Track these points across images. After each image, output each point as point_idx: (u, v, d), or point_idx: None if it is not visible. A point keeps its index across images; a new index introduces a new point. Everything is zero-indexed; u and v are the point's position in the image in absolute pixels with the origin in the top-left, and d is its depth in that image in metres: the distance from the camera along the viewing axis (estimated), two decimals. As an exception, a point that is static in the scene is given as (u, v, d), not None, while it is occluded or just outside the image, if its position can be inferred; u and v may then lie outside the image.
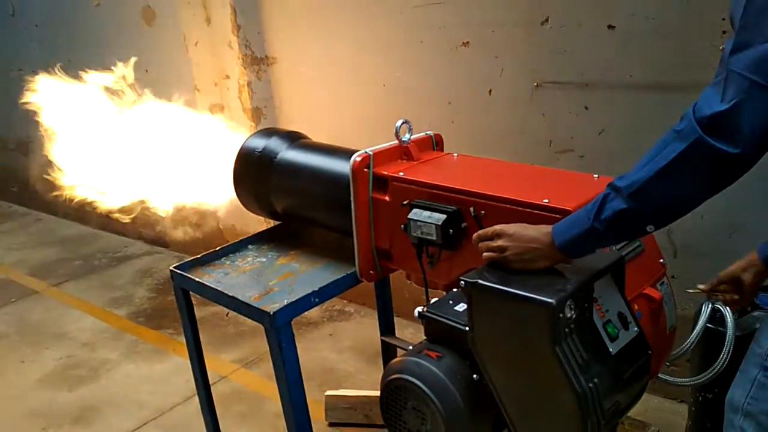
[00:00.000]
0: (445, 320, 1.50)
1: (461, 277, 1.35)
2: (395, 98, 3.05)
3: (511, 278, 1.32)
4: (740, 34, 1.08)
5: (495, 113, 2.76)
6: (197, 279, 2.08)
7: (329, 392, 2.85)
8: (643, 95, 2.35)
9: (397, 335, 2.85)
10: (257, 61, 3.44)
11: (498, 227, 1.39)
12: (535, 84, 2.61)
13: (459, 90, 2.84)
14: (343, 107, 3.28)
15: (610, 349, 1.33)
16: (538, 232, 1.32)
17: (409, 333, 3.37)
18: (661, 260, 1.65)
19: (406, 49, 2.95)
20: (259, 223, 3.70)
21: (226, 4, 3.26)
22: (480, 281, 1.33)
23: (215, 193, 2.87)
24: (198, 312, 3.83)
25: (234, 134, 3.03)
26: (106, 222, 5.29)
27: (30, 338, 3.79)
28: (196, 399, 3.05)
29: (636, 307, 1.49)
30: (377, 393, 2.83)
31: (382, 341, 2.93)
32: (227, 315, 3.76)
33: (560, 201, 1.49)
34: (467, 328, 1.44)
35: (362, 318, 3.68)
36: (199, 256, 2.25)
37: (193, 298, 3.80)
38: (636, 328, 1.39)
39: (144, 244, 5.02)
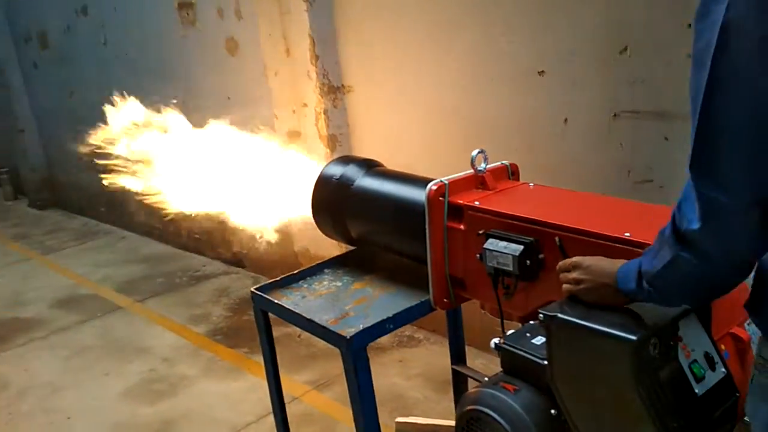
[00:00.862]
0: (522, 353, 1.49)
1: (540, 310, 1.35)
2: (469, 126, 3.07)
3: (593, 313, 1.30)
4: (698, 147, 1.00)
5: (571, 142, 2.73)
6: (276, 301, 2.15)
7: (400, 419, 2.86)
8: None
9: (467, 364, 2.84)
10: (334, 89, 3.54)
11: (575, 259, 1.38)
12: (613, 113, 2.57)
13: (534, 119, 2.83)
14: (416, 135, 3.32)
15: (696, 391, 1.29)
16: (611, 268, 1.29)
17: (480, 363, 3.34)
18: (750, 298, 1.58)
19: (480, 77, 2.98)
20: (333, 246, 3.78)
21: (306, 36, 3.38)
22: (560, 315, 1.32)
23: (291, 217, 2.97)
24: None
25: (309, 160, 3.13)
26: (186, 241, 5.53)
27: (114, 352, 3.98)
28: (270, 418, 3.13)
29: (722, 347, 1.44)
30: (447, 422, 2.85)
31: (453, 370, 2.92)
32: (299, 336, 3.84)
33: (642, 235, 1.46)
34: (545, 362, 1.43)
35: (432, 345, 3.68)
36: (277, 279, 2.32)
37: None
38: (723, 369, 1.34)
39: (221, 263, 5.20)
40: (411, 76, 3.25)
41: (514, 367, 1.53)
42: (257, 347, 3.82)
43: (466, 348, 2.90)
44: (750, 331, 1.53)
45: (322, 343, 3.79)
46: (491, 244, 1.72)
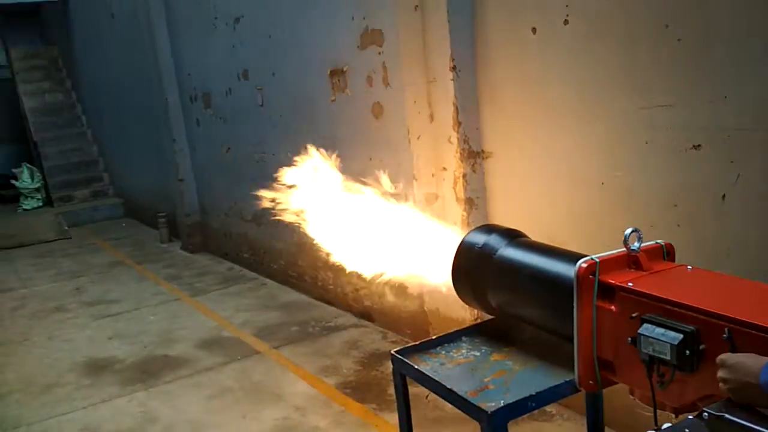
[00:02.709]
0: (680, 451, 1.41)
1: (705, 409, 1.28)
2: (614, 199, 2.99)
3: (765, 415, 1.21)
4: None
5: (729, 221, 2.58)
6: (416, 366, 2.19)
7: (530, 496, 2.75)
8: None
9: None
10: (473, 154, 3.60)
11: (721, 356, 1.31)
12: (779, 190, 2.41)
13: (687, 194, 2.71)
14: (557, 204, 3.28)
15: None
16: (756, 365, 1.22)
17: (619, 444, 3.15)
18: None
19: (628, 149, 2.90)
20: (464, 310, 3.77)
21: (450, 102, 3.49)
22: (727, 416, 1.24)
23: (424, 278, 3.01)
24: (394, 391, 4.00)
25: (446, 224, 3.18)
26: (321, 292, 5.75)
27: (252, 395, 4.18)
28: (395, 479, 3.15)
29: None
30: (582, 505, 2.69)
31: (590, 450, 2.78)
32: (427, 398, 3.82)
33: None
34: (706, 464, 1.34)
35: (564, 421, 3.52)
36: (416, 343, 2.36)
37: (391, 375, 3.92)
38: None
39: (352, 316, 5.34)
40: (554, 143, 3.24)
41: (671, 464, 1.44)
42: (385, 404, 3.91)
43: (605, 429, 2.75)
44: None
45: (449, 407, 3.77)
46: (647, 329, 1.66)
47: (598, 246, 2.07)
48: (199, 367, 4.68)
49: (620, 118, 2.91)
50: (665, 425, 1.52)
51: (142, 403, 4.20)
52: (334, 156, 4.81)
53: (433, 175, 3.74)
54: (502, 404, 1.87)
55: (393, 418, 3.72)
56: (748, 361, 1.26)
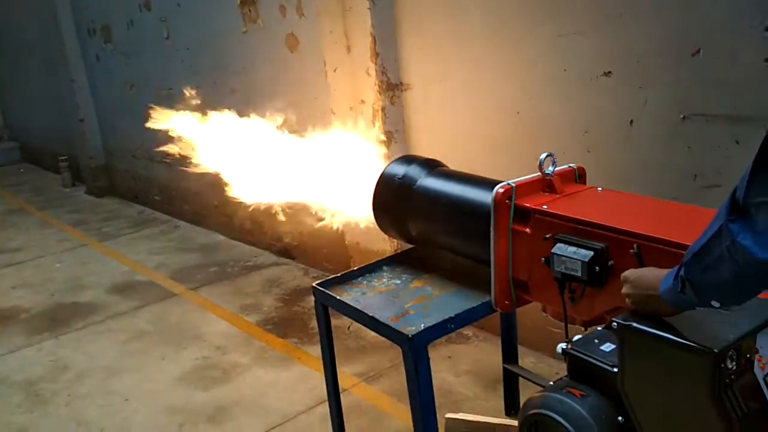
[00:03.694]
0: (590, 360, 1.49)
1: (614, 319, 1.35)
2: (529, 127, 3.05)
3: (668, 322, 1.29)
4: None
5: (636, 145, 2.69)
6: (338, 297, 2.19)
7: (450, 415, 2.87)
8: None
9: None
10: (392, 87, 3.56)
11: (624, 273, 1.38)
12: (682, 116, 2.53)
13: (598, 120, 2.80)
14: (475, 134, 3.32)
15: (773, 404, 1.28)
16: (656, 278, 1.27)
17: (530, 362, 3.33)
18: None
19: (543, 77, 2.95)
20: (385, 242, 3.81)
21: (368, 33, 3.41)
22: (634, 324, 1.31)
23: (344, 211, 3.01)
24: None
25: (365, 157, 3.16)
26: (238, 232, 5.64)
27: (169, 337, 4.10)
28: (320, 409, 3.20)
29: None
30: (497, 420, 2.85)
31: (504, 369, 2.93)
32: (349, 329, 3.89)
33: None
34: (615, 370, 1.43)
35: (480, 342, 3.68)
36: (337, 275, 2.37)
37: (312, 309, 3.95)
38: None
39: (271, 255, 5.29)
40: (472, 75, 3.25)
41: (581, 372, 1.53)
42: (307, 338, 3.94)
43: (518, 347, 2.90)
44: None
45: (370, 336, 3.88)
46: (559, 249, 1.72)
47: (515, 173, 2.11)
48: (112, 313, 4.54)
49: (535, 47, 2.94)
50: (576, 337, 1.61)
51: (52, 352, 4.04)
52: (246, 90, 4.67)
53: (351, 109, 3.68)
54: (422, 327, 1.92)
55: (316, 351, 3.75)
56: (648, 274, 1.32)
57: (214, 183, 5.61)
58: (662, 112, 2.59)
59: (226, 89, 4.90)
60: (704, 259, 1.07)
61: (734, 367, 1.23)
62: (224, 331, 4.11)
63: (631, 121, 2.71)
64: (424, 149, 3.53)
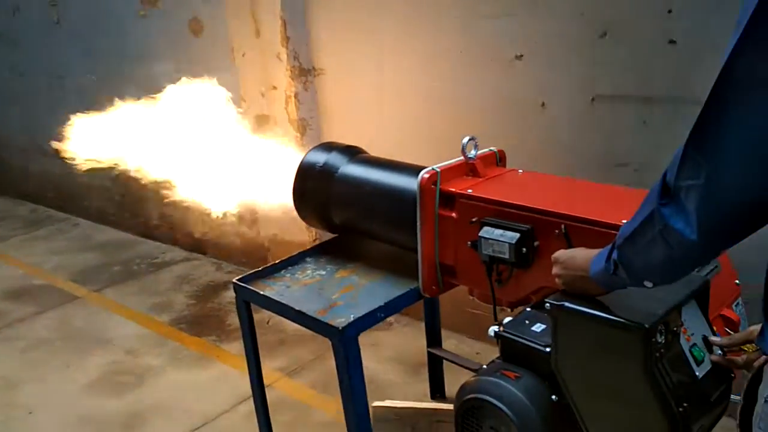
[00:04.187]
0: (523, 341, 1.50)
1: (546, 300, 1.36)
2: (444, 111, 3.06)
3: (599, 301, 1.32)
4: (707, 107, 0.93)
5: (548, 127, 2.76)
6: (261, 292, 2.11)
7: (376, 403, 2.85)
8: (703, 111, 2.34)
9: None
10: (305, 72, 3.47)
11: (555, 254, 1.40)
12: (592, 97, 2.60)
13: (511, 103, 2.84)
14: (390, 119, 3.29)
15: (697, 373, 1.33)
16: (585, 259, 1.29)
17: (452, 344, 3.37)
18: (736, 281, 1.64)
19: (456, 61, 2.96)
20: (302, 232, 3.73)
21: (277, 16, 3.29)
22: (567, 304, 1.33)
23: (258, 202, 2.91)
24: (237, 320, 3.91)
25: (278, 145, 3.07)
26: (143, 228, 5.36)
27: (74, 344, 3.83)
28: (243, 407, 3.10)
29: (714, 329, 1.48)
30: (424, 404, 2.86)
31: (429, 353, 2.94)
32: (268, 322, 3.79)
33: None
34: (547, 350, 1.44)
35: (403, 328, 3.69)
36: (259, 269, 2.28)
37: (228, 305, 3.81)
38: (720, 351, 1.38)
39: (181, 250, 5.07)
40: (384, 60, 3.21)
41: (514, 354, 1.54)
42: (225, 335, 3.80)
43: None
44: (738, 311, 1.58)
45: (291, 329, 3.80)
46: (487, 232, 1.73)
47: (431, 158, 2.11)
48: (8, 320, 4.18)
49: (449, 31, 2.94)
50: (506, 319, 1.62)
51: (-58, 367, 3.68)
52: (148, 78, 4.41)
53: (262, 95, 3.56)
54: (352, 318, 1.88)
55: (234, 348, 3.64)
56: (578, 255, 1.34)
57: (116, 177, 5.33)
58: (573, 94, 2.67)
59: (124, 77, 4.62)
60: (637, 243, 1.09)
61: (663, 341, 1.27)
62: (134, 334, 3.89)
63: (543, 104, 2.77)
64: (340, 136, 3.47)
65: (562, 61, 2.64)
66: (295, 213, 2.52)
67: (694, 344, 1.36)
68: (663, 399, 1.24)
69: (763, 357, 1.24)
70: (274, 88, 3.50)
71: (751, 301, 1.69)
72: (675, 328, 1.31)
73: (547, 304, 1.35)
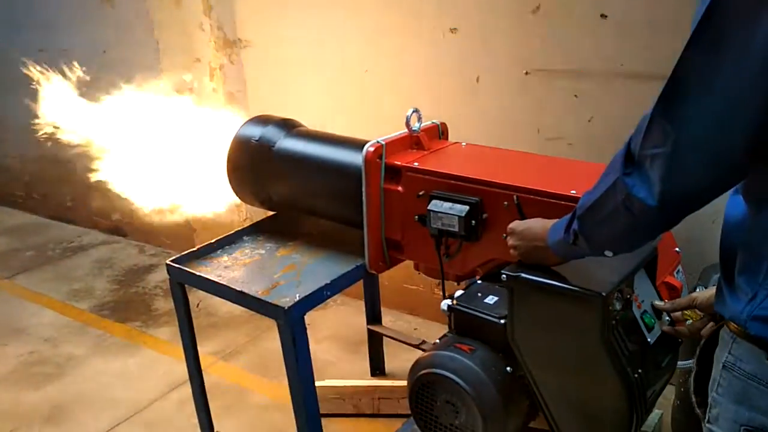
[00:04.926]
0: (477, 313, 1.49)
1: (503, 271, 1.35)
2: (378, 84, 3.01)
3: (555, 271, 1.32)
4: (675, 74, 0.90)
5: (482, 101, 2.76)
6: (198, 273, 2.00)
7: (317, 383, 2.81)
8: (634, 84, 2.40)
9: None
10: (230, 43, 3.31)
11: (510, 225, 1.39)
12: (525, 71, 2.62)
13: (445, 77, 2.82)
14: (323, 93, 3.21)
15: (649, 339, 1.36)
16: (542, 229, 1.30)
17: (389, 320, 3.36)
18: (677, 249, 1.69)
19: (390, 34, 2.90)
20: (231, 211, 3.60)
21: (199, -17, 3.13)
22: (523, 275, 1.32)
23: (183, 181, 2.77)
24: (165, 304, 3.75)
25: (204, 120, 2.93)
26: (56, 210, 5.04)
27: (-16, 335, 3.57)
28: (175, 394, 2.98)
29: (661, 296, 1.52)
30: (364, 382, 2.84)
31: (369, 330, 2.92)
32: (198, 306, 3.65)
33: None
34: (502, 322, 1.44)
35: (339, 306, 3.64)
36: (194, 249, 2.16)
37: (154, 289, 3.64)
38: (668, 318, 1.42)
39: (99, 233, 4.80)
40: (314, 32, 3.11)
41: (468, 327, 1.53)
42: (152, 320, 3.64)
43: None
44: (679, 278, 1.64)
45: (223, 311, 3.68)
46: (435, 205, 1.70)
47: (366, 132, 2.06)
48: None
49: (381, 4, 2.88)
50: (458, 293, 1.60)
51: None
52: (60, 49, 4.10)
53: (185, 68, 3.38)
54: (297, 298, 1.81)
55: (163, 333, 3.50)
56: (535, 226, 1.33)
57: (23, 156, 4.96)
58: (507, 68, 2.67)
59: (35, 47, 4.27)
60: (599, 213, 1.08)
61: (619, 308, 1.28)
62: (52, 322, 3.66)
63: (478, 78, 2.76)
64: (269, 111, 3.35)
65: (496, 35, 2.64)
66: (223, 192, 2.42)
67: (645, 311, 1.39)
68: (619, 365, 1.26)
69: (710, 324, 1.29)
70: (198, 60, 3.33)
71: (687, 267, 1.76)
72: (628, 296, 1.34)
73: (504, 275, 1.34)
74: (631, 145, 1.00)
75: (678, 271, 1.66)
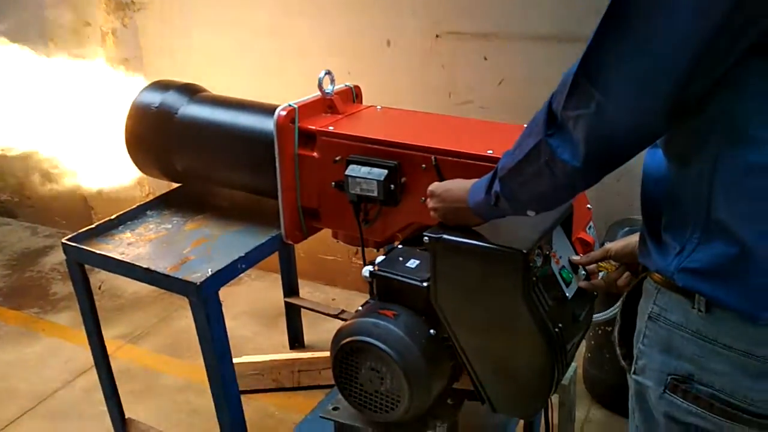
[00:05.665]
0: (400, 278, 1.47)
1: (425, 233, 1.32)
2: (287, 48, 2.89)
3: (475, 231, 1.31)
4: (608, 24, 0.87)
5: (394, 65, 2.72)
6: (99, 251, 1.86)
7: (234, 360, 2.73)
8: (542, 46, 2.43)
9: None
10: (122, 6, 3.08)
11: (430, 187, 1.36)
12: (435, 35, 2.59)
13: (355, 41, 2.76)
14: (226, 58, 3.05)
15: (567, 294, 1.38)
16: (462, 190, 1.27)
17: (306, 292, 3.31)
18: (588, 206, 1.73)
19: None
20: (133, 187, 3.40)
21: (86, -61, 2.87)
22: (445, 236, 1.30)
23: (77, 155, 2.59)
24: (63, 288, 3.52)
25: (97, 91, 2.73)
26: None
27: None
28: (81, 381, 2.82)
29: (577, 251, 1.55)
30: (284, 356, 2.79)
31: (286, 303, 2.86)
32: (100, 288, 3.46)
33: (504, 152, 1.49)
34: (425, 284, 1.42)
35: (254, 281, 3.55)
36: (92, 226, 2.01)
37: (50, 273, 3.41)
38: (584, 273, 1.45)
39: (-16, 214, 4.43)
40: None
41: (390, 293, 1.50)
42: (50, 305, 3.41)
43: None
44: (591, 234, 1.68)
45: (128, 292, 3.50)
46: (353, 170, 1.65)
47: (274, 97, 1.97)
48: None
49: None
50: (379, 258, 1.57)
51: None
52: None
53: (74, 33, 3.12)
54: (210, 272, 1.72)
55: (62, 319, 3.29)
56: (454, 187, 1.31)
57: None
58: (417, 31, 2.64)
59: None
60: (521, 174, 1.06)
61: (539, 265, 1.29)
62: (-66, 313, 3.36)
63: (389, 42, 2.72)
64: (167, 76, 3.17)
65: (406, -1, 2.60)
66: (123, 165, 2.26)
67: (563, 267, 1.41)
68: (541, 321, 1.27)
69: (626, 274, 1.32)
70: (88, 24, 3.08)
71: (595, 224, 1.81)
72: (547, 252, 1.35)
73: (426, 238, 1.32)
74: (552, 105, 0.98)
75: (590, 227, 1.70)
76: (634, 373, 1.11)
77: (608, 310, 2.14)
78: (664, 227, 1.02)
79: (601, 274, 1.41)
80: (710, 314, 0.96)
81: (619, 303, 1.28)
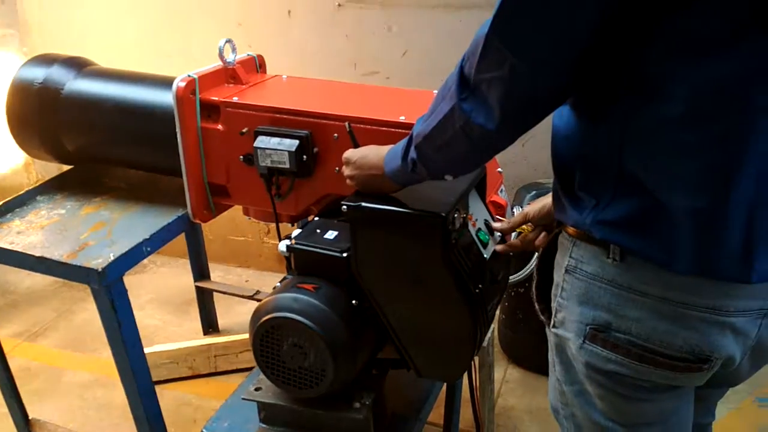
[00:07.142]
0: (319, 250, 1.43)
1: (343, 202, 1.29)
2: (179, 19, 2.74)
3: (394, 197, 1.29)
4: None
5: (296, 35, 2.64)
6: (-16, 243, 1.69)
7: (145, 350, 2.59)
8: (445, 15, 2.43)
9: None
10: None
11: (345, 154, 1.33)
12: (338, 3, 2.54)
13: (254, 11, 2.65)
14: (114, 31, 2.86)
15: (485, 256, 1.40)
16: (378, 157, 1.25)
17: (218, 275, 3.20)
18: (499, 169, 1.75)
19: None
20: (19, 173, 3.15)
21: None
22: (364, 204, 1.27)
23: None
24: (-58, 287, 3.23)
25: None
26: None
27: None
28: (-27, 387, 2.59)
29: (492, 213, 1.57)
30: (199, 342, 2.69)
31: (197, 287, 2.75)
32: (-11, 285, 3.20)
33: (415, 117, 1.48)
34: (344, 255, 1.39)
35: (160, 268, 3.39)
36: (-26, 215, 1.83)
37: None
38: (499, 234, 1.47)
39: None
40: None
41: (309, 266, 1.46)
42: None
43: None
44: (503, 196, 1.70)
45: (23, 287, 3.25)
46: (262, 141, 1.58)
47: (169, 69, 1.86)
48: None
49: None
50: (295, 232, 1.52)
51: None
52: None
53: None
54: (112, 257, 1.61)
55: (-54, 321, 3.01)
56: (370, 154, 1.28)
57: None
58: (318, 1, 2.57)
59: None
60: (437, 140, 1.05)
61: (458, 227, 1.29)
62: None
63: (289, 12, 2.63)
64: (50, 50, 2.94)
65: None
66: (6, 149, 2.08)
67: (480, 229, 1.42)
68: (461, 282, 1.27)
69: (542, 234, 1.34)
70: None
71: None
72: (464, 215, 1.35)
73: (344, 206, 1.29)
74: (464, 68, 0.96)
75: (501, 190, 1.73)
76: (554, 326, 1.13)
77: (521, 271, 2.20)
78: (578, 183, 1.03)
79: (513, 234, 1.43)
80: (624, 262, 0.98)
81: (533, 261, 1.30)
